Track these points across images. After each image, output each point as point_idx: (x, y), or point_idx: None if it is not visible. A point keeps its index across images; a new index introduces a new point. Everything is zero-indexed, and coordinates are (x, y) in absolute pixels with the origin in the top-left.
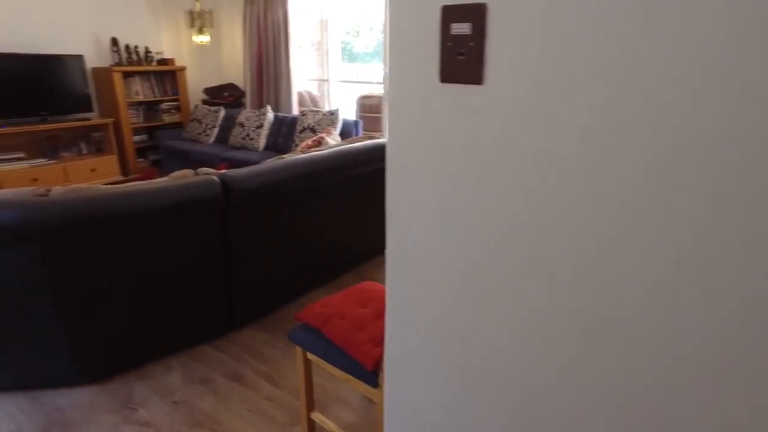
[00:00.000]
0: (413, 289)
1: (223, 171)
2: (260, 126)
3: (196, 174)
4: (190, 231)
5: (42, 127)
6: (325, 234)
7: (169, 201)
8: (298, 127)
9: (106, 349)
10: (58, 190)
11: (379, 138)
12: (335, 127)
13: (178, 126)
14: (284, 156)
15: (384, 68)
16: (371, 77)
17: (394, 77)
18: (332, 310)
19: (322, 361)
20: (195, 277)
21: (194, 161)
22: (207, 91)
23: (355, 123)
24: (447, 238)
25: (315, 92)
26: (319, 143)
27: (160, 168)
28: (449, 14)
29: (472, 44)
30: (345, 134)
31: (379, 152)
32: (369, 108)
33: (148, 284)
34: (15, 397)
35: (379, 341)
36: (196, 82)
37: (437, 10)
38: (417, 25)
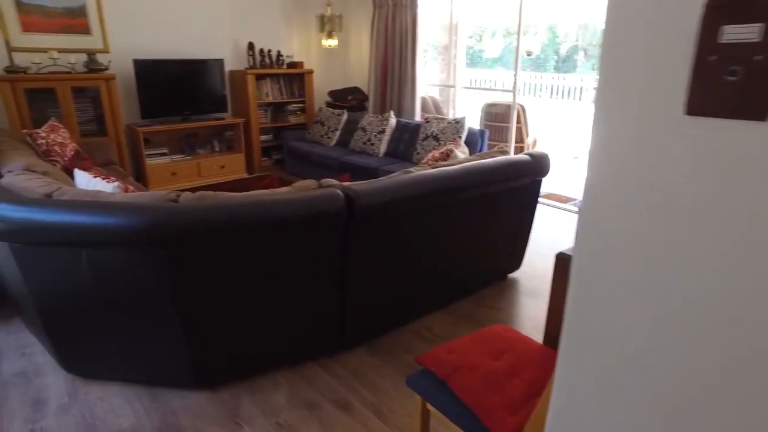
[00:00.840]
0: (591, 389)
1: (346, 183)
2: (382, 131)
3: (320, 185)
4: (309, 245)
5: (183, 125)
6: (446, 255)
7: (291, 213)
8: (421, 135)
9: (220, 356)
10: (186, 195)
11: (507, 151)
12: (461, 137)
13: (302, 127)
14: (411, 170)
15: (515, 75)
16: (498, 83)
17: (603, 103)
18: (460, 359)
19: (444, 417)
20: (309, 293)
21: (315, 163)
22: (332, 93)
23: (481, 132)
24: (657, 344)
25: (437, 98)
26: (447, 156)
27: (282, 167)
28: (720, 11)
29: (759, 58)
30: (469, 144)
31: (512, 170)
32: (495, 116)
33: (263, 296)
34: (139, 390)
35: (516, 407)
36: (321, 85)
37: (696, 5)
38: (653, 27)
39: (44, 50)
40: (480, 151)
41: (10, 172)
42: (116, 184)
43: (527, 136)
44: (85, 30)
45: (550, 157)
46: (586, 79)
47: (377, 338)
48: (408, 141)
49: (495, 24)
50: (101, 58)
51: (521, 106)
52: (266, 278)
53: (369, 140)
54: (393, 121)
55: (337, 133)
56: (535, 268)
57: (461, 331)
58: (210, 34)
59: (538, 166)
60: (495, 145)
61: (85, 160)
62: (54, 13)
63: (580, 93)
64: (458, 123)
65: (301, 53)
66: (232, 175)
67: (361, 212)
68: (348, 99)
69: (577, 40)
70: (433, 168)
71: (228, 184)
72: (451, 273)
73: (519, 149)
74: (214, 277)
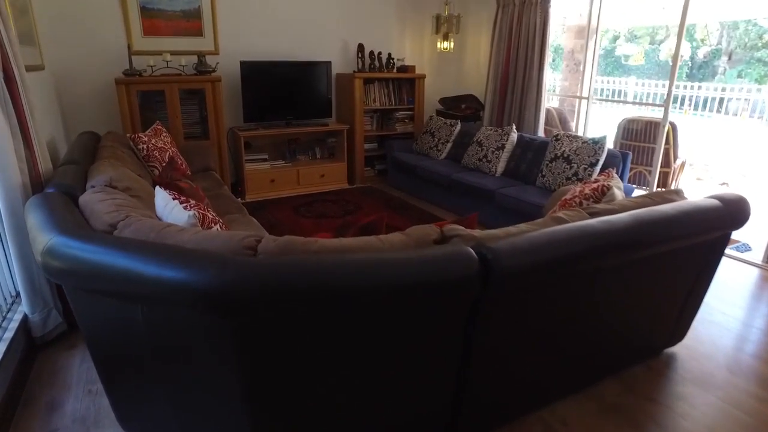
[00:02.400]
0: None
1: (477, 233)
2: (501, 147)
3: (443, 235)
4: (425, 318)
5: (286, 130)
6: (592, 326)
7: (405, 281)
8: (549, 155)
9: None
10: (268, 244)
11: (681, 191)
12: (600, 160)
13: (409, 137)
14: (561, 215)
15: (669, 86)
16: (629, 94)
17: None
18: None
19: None
20: (417, 373)
21: (422, 178)
22: (443, 101)
23: (623, 156)
24: None
25: (562, 110)
26: (602, 194)
27: (385, 179)
28: None
29: None
30: (605, 170)
31: (701, 222)
32: (634, 135)
33: (358, 377)
34: None
35: None
36: (433, 91)
37: None
38: None
39: (159, 53)
40: (620, 179)
41: (93, 187)
42: (192, 213)
43: (675, 160)
44: (198, 32)
45: (748, 202)
46: (733, 88)
47: (496, 429)
48: (532, 161)
49: (617, 26)
50: (210, 60)
51: (672, 123)
52: (364, 357)
53: (485, 156)
54: (514, 136)
55: (448, 145)
56: (699, 342)
57: (608, 431)
58: (319, 35)
59: (732, 216)
60: (632, 169)
61: (177, 170)
62: (172, 15)
63: (720, 105)
64: (596, 144)
65: (413, 56)
66: (333, 185)
67: (499, 280)
68: (461, 108)
69: (719, 43)
70: (589, 213)
71: (328, 195)
72: (595, 348)
73: (664, 175)
74: (294, 355)
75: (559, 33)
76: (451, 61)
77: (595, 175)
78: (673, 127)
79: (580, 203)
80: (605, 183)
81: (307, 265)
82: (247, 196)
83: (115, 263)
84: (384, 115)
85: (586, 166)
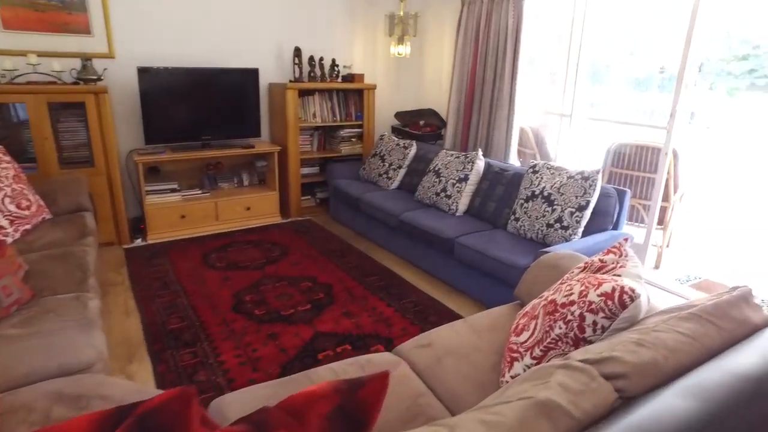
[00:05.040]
0: None
1: None
2: (463, 179)
3: None
4: None
5: (201, 154)
6: None
7: None
8: (524, 192)
9: None
10: None
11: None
12: (590, 202)
13: (357, 158)
14: (558, 399)
15: (674, 104)
16: (601, 109)
17: None
18: None
19: None
20: None
21: (366, 214)
22: (399, 115)
23: (619, 195)
24: None
25: (537, 128)
26: (622, 306)
27: (327, 210)
28: None
29: None
30: (598, 214)
31: None
32: (626, 161)
33: None
34: None
35: None
36: (386, 105)
37: None
38: None
39: (25, 54)
40: (616, 225)
41: None
42: None
43: (675, 192)
44: (85, 29)
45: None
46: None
47: None
48: (502, 198)
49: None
50: (103, 65)
51: (674, 150)
52: None
53: (444, 190)
54: (480, 164)
55: (401, 172)
56: None
57: None
58: (246, 36)
59: None
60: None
61: None
62: (45, 6)
63: (690, 119)
64: (587, 180)
65: (365, 63)
66: (261, 219)
67: None
68: (419, 124)
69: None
70: (605, 376)
71: (252, 233)
72: None
73: (662, 210)
74: None
75: (533, 38)
76: (410, 69)
77: (584, 222)
78: (675, 154)
79: (582, 319)
80: (624, 286)
81: None
82: (149, 237)
83: None
84: (327, 134)
85: (573, 210)
